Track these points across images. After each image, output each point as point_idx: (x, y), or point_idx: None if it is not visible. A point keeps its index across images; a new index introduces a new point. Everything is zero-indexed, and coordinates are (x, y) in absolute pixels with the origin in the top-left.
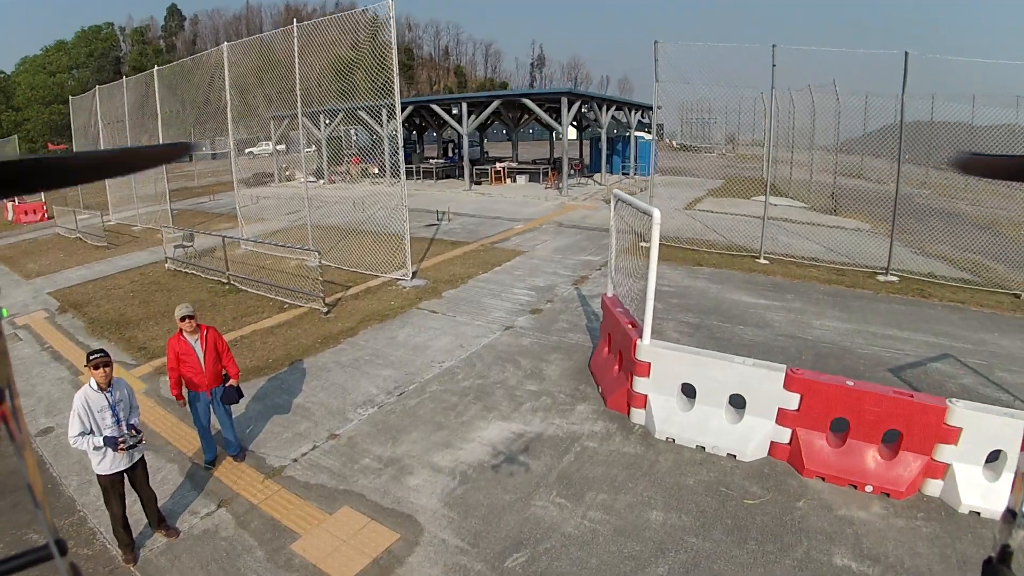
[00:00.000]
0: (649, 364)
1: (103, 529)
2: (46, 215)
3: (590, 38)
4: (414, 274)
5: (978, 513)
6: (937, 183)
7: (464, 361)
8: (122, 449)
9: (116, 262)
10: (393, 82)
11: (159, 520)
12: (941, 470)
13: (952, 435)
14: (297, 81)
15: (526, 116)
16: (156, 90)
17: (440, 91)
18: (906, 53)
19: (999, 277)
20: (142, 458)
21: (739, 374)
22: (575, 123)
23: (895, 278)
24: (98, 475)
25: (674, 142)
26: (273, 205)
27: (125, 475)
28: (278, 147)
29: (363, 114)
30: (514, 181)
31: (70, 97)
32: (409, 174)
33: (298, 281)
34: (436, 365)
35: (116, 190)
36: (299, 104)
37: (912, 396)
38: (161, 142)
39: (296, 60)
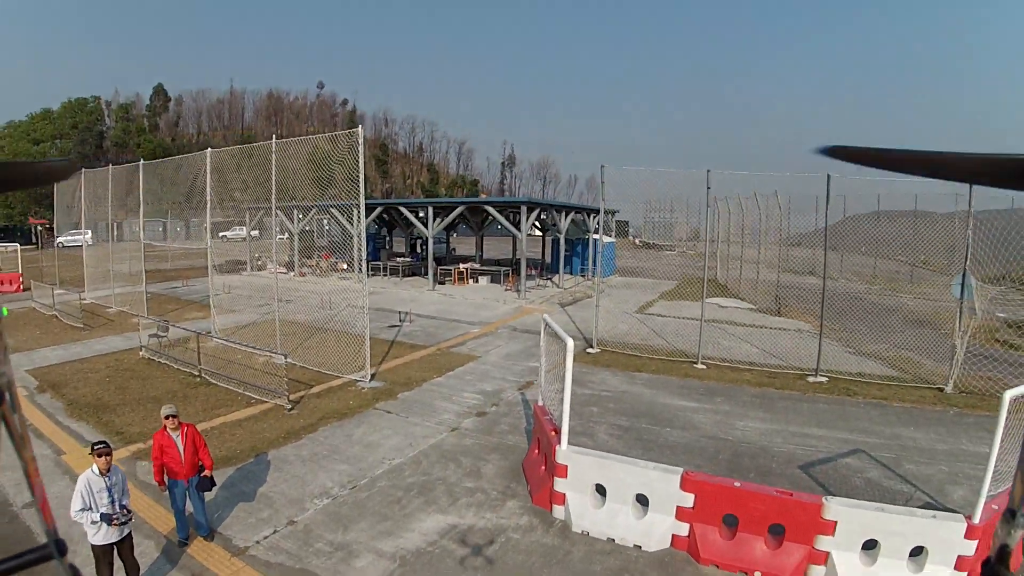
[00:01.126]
0: (567, 466)
1: None
2: (21, 286)
3: (560, 138)
4: (373, 376)
5: None
6: (885, 277)
7: (411, 459)
8: (116, 524)
9: (91, 345)
10: (359, 193)
11: None
12: (823, 557)
13: (829, 528)
14: (273, 190)
15: (489, 219)
16: (140, 181)
17: (413, 185)
18: (828, 176)
19: (926, 372)
20: (130, 533)
21: (642, 476)
22: (538, 224)
23: (824, 379)
24: (92, 545)
25: (637, 240)
26: (245, 296)
27: (115, 547)
28: (252, 232)
29: (335, 211)
30: (476, 282)
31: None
32: (377, 270)
33: (265, 378)
34: (386, 462)
35: (93, 266)
36: (273, 199)
37: (792, 495)
38: (141, 221)
39: (273, 170)
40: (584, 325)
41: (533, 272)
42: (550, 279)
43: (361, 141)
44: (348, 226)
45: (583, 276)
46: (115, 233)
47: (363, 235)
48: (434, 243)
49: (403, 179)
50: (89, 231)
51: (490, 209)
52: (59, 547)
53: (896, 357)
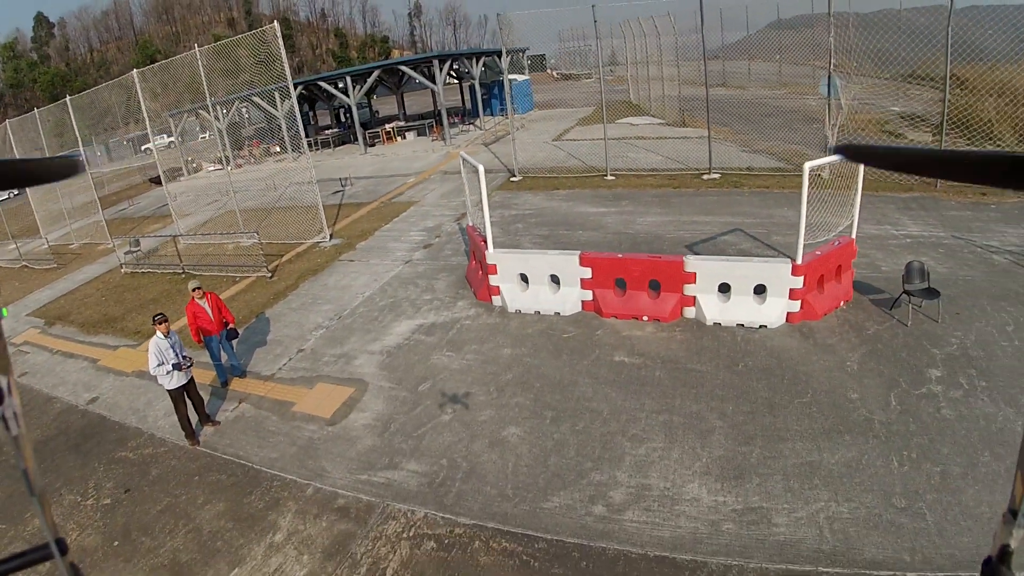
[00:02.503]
0: (496, 265)
1: (168, 436)
2: None
3: None
4: (331, 235)
5: (719, 323)
6: (791, 82)
7: (379, 289)
8: (183, 369)
9: (73, 278)
10: (286, 76)
11: (207, 416)
12: (691, 300)
13: (691, 278)
14: (207, 92)
15: (406, 77)
16: (73, 119)
17: (323, 53)
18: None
19: (809, 160)
20: (192, 377)
21: (552, 261)
22: (454, 74)
23: (717, 175)
24: (169, 390)
25: (555, 73)
26: (192, 199)
27: (184, 389)
28: (174, 140)
29: (257, 99)
30: (404, 138)
31: None
32: (309, 145)
33: (242, 258)
34: (360, 296)
35: (42, 207)
36: (208, 98)
37: (660, 257)
38: (83, 154)
39: (203, 78)
40: (507, 159)
41: (456, 119)
42: (472, 123)
43: (279, 32)
44: (273, 111)
45: (503, 115)
46: None
47: (297, 115)
48: (358, 109)
49: (312, 50)
50: None
51: (405, 68)
52: (60, 547)
53: (785, 151)
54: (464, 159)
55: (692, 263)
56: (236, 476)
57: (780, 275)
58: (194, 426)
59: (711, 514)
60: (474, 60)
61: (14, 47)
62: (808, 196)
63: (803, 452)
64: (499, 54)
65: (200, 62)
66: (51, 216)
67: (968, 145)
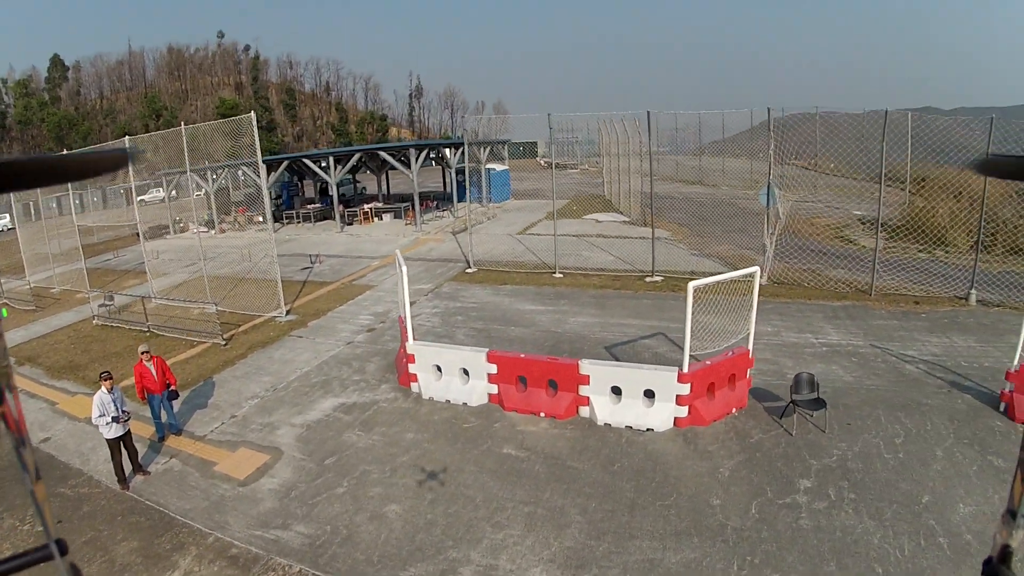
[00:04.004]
0: (414, 355)
1: (103, 479)
2: None
3: (465, 66)
4: (288, 311)
5: (609, 424)
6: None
7: (316, 367)
8: (122, 422)
9: (48, 322)
10: (258, 160)
11: (139, 466)
12: (585, 400)
13: (586, 379)
14: (187, 161)
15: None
16: None
17: (323, 125)
18: (648, 112)
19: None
20: (130, 430)
21: (463, 356)
22: (434, 160)
23: (660, 278)
24: (107, 439)
25: (543, 161)
26: (173, 259)
27: (121, 440)
28: (171, 193)
29: (245, 168)
30: (381, 219)
31: None
32: (291, 218)
33: (202, 324)
34: (298, 371)
35: (29, 248)
36: (187, 168)
37: (557, 359)
38: (72, 206)
39: (185, 150)
40: (472, 248)
41: (433, 204)
42: (447, 210)
43: (254, 123)
44: (258, 180)
45: (479, 204)
46: (34, 213)
47: (266, 196)
48: (343, 185)
49: (312, 120)
50: (6, 215)
51: (383, 154)
52: (59, 547)
53: (734, 255)
54: (398, 258)
55: (586, 366)
56: (153, 520)
57: (667, 382)
58: (127, 473)
59: None
60: (450, 150)
61: (27, 85)
62: (731, 303)
63: (648, 550)
64: (481, 144)
65: (184, 138)
66: (37, 257)
67: (919, 250)
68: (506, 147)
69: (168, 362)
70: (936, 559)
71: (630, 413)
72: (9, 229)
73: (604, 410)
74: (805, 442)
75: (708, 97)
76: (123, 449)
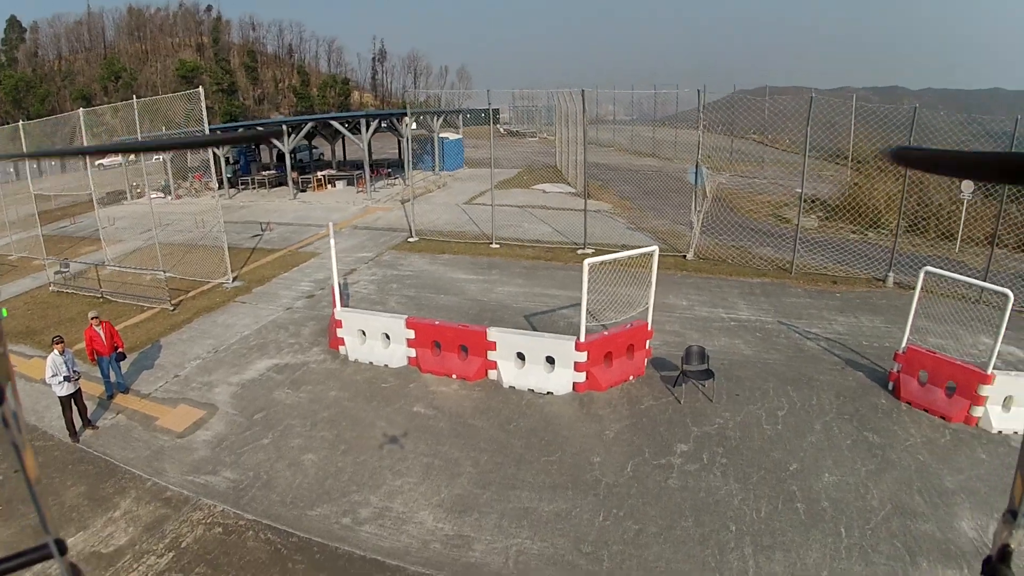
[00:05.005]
0: (342, 320)
1: (56, 433)
2: None
3: (429, 30)
4: (235, 278)
5: (513, 387)
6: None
7: (256, 331)
8: (72, 380)
9: (5, 289)
10: (204, 131)
11: (88, 421)
12: (493, 365)
13: (493, 346)
14: (139, 131)
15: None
16: (24, 142)
17: (285, 88)
18: (583, 91)
19: (684, 243)
20: (80, 388)
21: (385, 322)
22: (388, 129)
23: (591, 251)
24: (60, 396)
25: (502, 129)
26: (128, 226)
27: (72, 397)
28: (128, 158)
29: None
30: (334, 186)
31: None
32: (247, 184)
33: (153, 290)
34: (238, 335)
35: None
36: (139, 135)
37: (467, 326)
38: (29, 175)
39: (137, 122)
40: (415, 218)
41: (386, 172)
42: (399, 178)
43: (202, 100)
44: (214, 149)
45: (431, 172)
46: None
47: (212, 166)
48: (300, 151)
49: (275, 83)
50: None
51: (336, 124)
52: (59, 547)
53: (667, 231)
54: (330, 230)
55: (493, 333)
56: (99, 468)
57: (566, 349)
58: (77, 428)
59: (427, 535)
60: (400, 120)
61: None
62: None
63: (526, 500)
64: (435, 113)
65: (135, 111)
66: None
67: (851, 231)
68: (460, 117)
69: (119, 327)
70: (789, 522)
71: (533, 377)
72: None
73: (510, 374)
74: (691, 410)
75: (679, 69)
76: (74, 406)
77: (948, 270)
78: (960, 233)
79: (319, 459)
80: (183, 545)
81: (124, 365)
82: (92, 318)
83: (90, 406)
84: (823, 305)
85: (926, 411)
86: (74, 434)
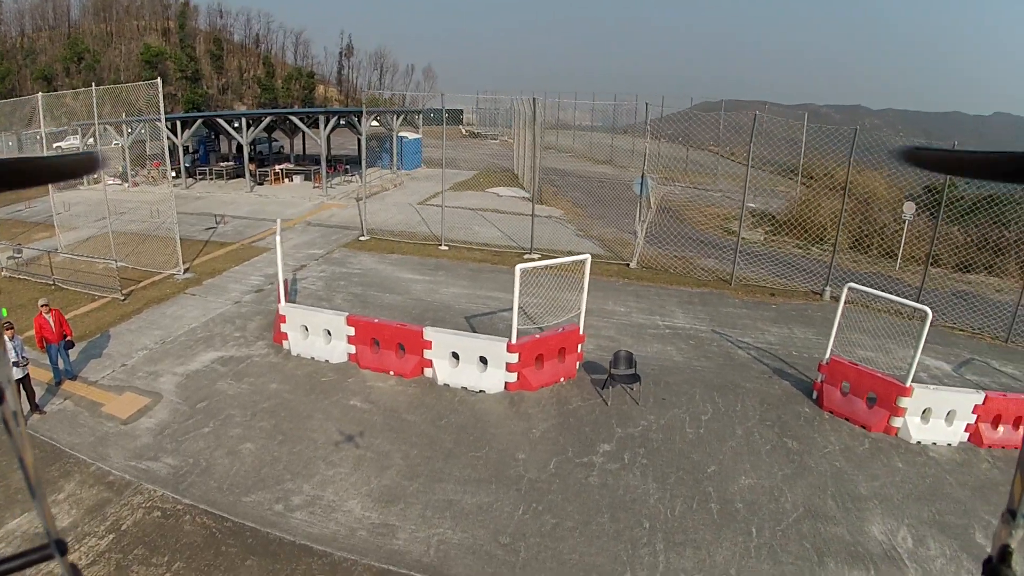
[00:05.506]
0: (285, 316)
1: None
2: None
3: (397, 28)
4: (186, 270)
5: (448, 384)
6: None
7: (203, 323)
8: (21, 366)
9: None
10: (162, 126)
11: (35, 406)
12: (429, 363)
13: (428, 344)
14: (96, 116)
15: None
16: None
17: (249, 79)
18: (534, 98)
19: (628, 251)
20: (28, 374)
21: (326, 319)
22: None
23: (537, 256)
24: None
25: (464, 130)
26: (84, 211)
27: (20, 382)
28: (88, 141)
29: (159, 125)
30: (291, 180)
31: None
32: (205, 174)
33: (104, 279)
34: (186, 326)
35: None
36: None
37: (404, 325)
38: None
39: (95, 108)
40: (367, 217)
41: (344, 168)
42: (356, 174)
43: (160, 90)
44: (173, 138)
45: (389, 171)
46: None
47: (166, 156)
48: (260, 143)
49: (240, 73)
50: None
51: (294, 119)
52: (59, 547)
53: (613, 238)
54: (277, 227)
55: (429, 333)
56: (46, 452)
57: (498, 350)
58: (24, 413)
59: (354, 523)
60: (359, 119)
61: None
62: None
63: (451, 492)
64: (396, 113)
65: (94, 98)
66: None
67: (796, 245)
68: (420, 116)
69: (69, 315)
70: (702, 521)
71: (466, 376)
72: None
73: (444, 372)
74: (618, 412)
75: (647, 76)
76: (21, 391)
77: (886, 287)
78: (901, 252)
79: (256, 448)
80: (123, 528)
81: (72, 353)
82: (42, 306)
83: (38, 391)
84: (758, 316)
85: (847, 420)
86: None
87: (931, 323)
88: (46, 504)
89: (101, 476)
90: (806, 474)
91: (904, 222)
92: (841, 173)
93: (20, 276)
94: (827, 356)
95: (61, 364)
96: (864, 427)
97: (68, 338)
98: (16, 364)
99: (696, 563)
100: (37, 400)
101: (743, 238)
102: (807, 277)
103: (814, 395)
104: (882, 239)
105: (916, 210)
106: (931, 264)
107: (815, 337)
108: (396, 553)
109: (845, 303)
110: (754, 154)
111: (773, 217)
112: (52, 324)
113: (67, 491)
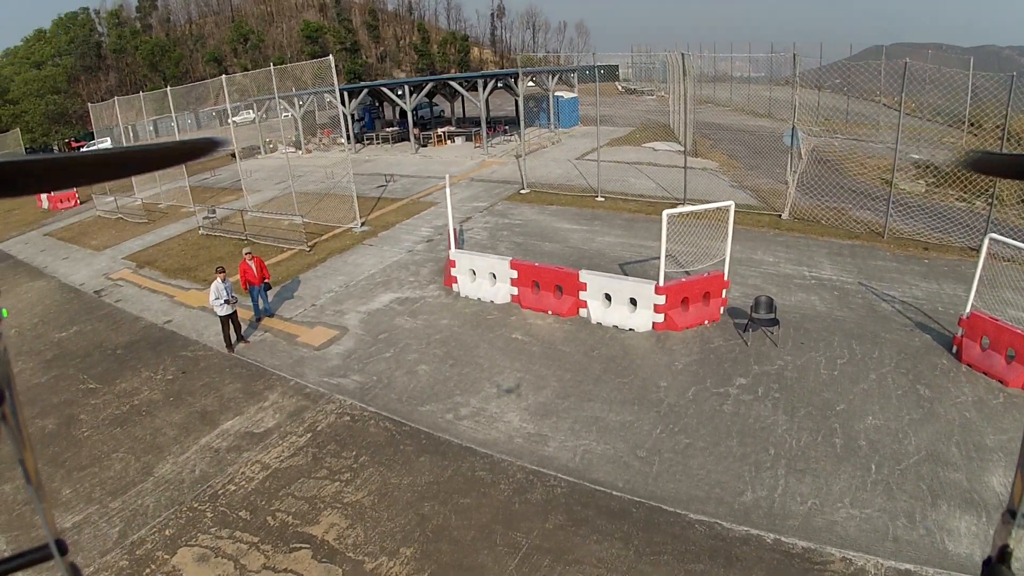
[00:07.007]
0: (455, 261)
1: (215, 346)
2: (77, 201)
3: None
4: (363, 223)
5: (600, 323)
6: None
7: (381, 270)
8: (231, 303)
9: (160, 232)
10: (336, 97)
11: (241, 337)
12: (584, 303)
13: (584, 287)
14: (275, 89)
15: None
16: (171, 106)
17: (406, 46)
18: (683, 55)
19: (781, 202)
20: (235, 311)
21: (491, 263)
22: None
23: (690, 206)
24: (220, 316)
25: (620, 86)
26: (264, 177)
27: (229, 317)
28: (255, 119)
29: (328, 96)
30: (453, 142)
31: (89, 105)
32: (372, 139)
33: (291, 233)
34: (366, 272)
35: None
36: (276, 95)
37: (563, 268)
38: (177, 130)
39: (274, 82)
40: (527, 172)
41: (503, 128)
42: (515, 134)
43: (332, 67)
44: (342, 107)
45: (547, 129)
46: (132, 137)
47: (342, 124)
48: (421, 108)
49: (396, 41)
50: (107, 139)
51: (454, 84)
52: (60, 547)
53: (767, 189)
54: (447, 182)
55: (584, 275)
56: (251, 371)
57: (646, 293)
58: (232, 342)
59: (512, 432)
60: (515, 80)
61: (119, 15)
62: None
63: (597, 410)
64: (550, 72)
65: (274, 79)
66: (145, 177)
67: (960, 197)
68: (576, 75)
69: None
70: (824, 453)
71: (617, 316)
72: None
73: (597, 311)
74: (756, 352)
75: (809, 27)
76: (230, 324)
77: None
78: None
79: (430, 369)
80: (318, 428)
81: (270, 295)
82: (246, 253)
83: (242, 325)
84: (908, 270)
85: (985, 375)
86: (230, 346)
87: None
88: (47, 504)
89: (299, 389)
90: (933, 420)
91: None
92: (1015, 123)
93: (215, 233)
94: (967, 310)
95: (261, 304)
96: (1001, 382)
97: (267, 281)
98: (227, 302)
99: (813, 489)
100: (242, 332)
101: (903, 190)
102: (965, 232)
103: (954, 349)
104: None
105: None
106: None
107: (965, 293)
108: (547, 458)
109: (999, 259)
110: (924, 103)
111: (938, 169)
112: (254, 269)
113: (271, 400)
